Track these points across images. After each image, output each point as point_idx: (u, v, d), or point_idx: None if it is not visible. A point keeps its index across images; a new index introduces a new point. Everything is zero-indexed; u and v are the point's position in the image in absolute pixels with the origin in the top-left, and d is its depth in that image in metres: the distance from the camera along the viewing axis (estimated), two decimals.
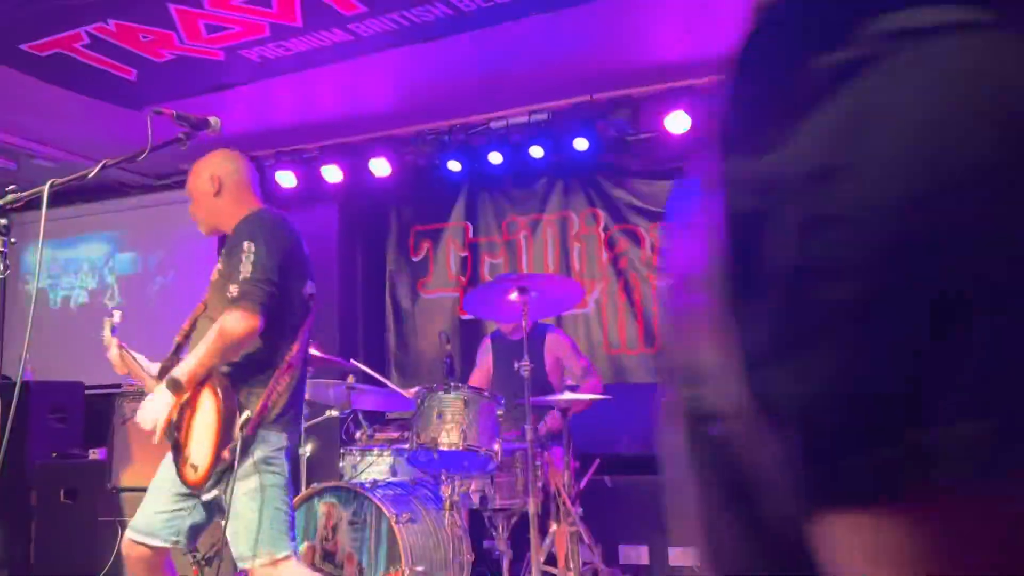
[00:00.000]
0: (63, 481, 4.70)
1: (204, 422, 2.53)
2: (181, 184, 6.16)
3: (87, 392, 5.63)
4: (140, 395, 4.55)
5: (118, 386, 4.71)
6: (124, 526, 4.41)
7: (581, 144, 4.96)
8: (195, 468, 2.52)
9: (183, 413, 2.56)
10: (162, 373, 2.67)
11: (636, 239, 5.26)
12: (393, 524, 3.27)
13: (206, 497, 2.55)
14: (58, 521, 4.60)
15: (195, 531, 2.69)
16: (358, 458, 3.83)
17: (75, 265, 6.51)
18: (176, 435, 2.57)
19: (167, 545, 2.60)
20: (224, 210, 2.78)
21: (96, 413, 5.19)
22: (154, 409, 2.50)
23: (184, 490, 2.60)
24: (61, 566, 4.48)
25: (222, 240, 2.83)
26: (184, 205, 6.25)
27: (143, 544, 2.58)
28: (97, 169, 2.36)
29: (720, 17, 4.04)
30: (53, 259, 6.49)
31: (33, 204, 2.31)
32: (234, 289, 2.51)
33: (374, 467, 3.80)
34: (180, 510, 2.62)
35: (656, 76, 4.74)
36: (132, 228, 6.40)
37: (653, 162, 5.13)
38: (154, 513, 2.60)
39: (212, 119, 2.48)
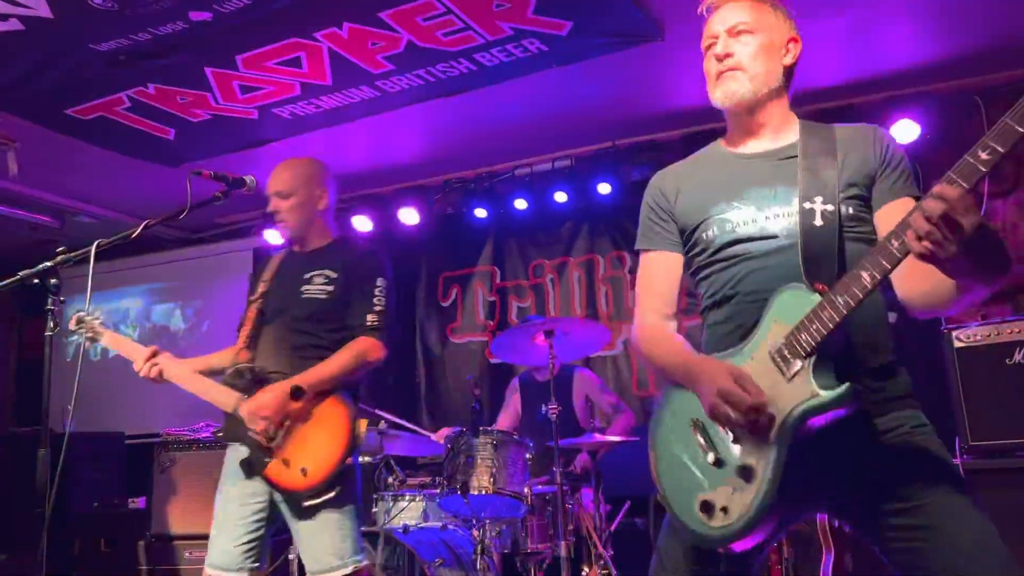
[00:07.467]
0: (104, 530, 4.79)
1: (328, 429, 2.61)
2: (215, 238, 6.38)
3: (127, 442, 5.75)
4: (179, 444, 4.66)
5: (157, 435, 4.82)
6: (161, 574, 4.49)
7: (605, 188, 5.05)
8: (306, 472, 2.54)
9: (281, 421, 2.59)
10: (238, 374, 2.68)
11: None
12: (425, 569, 3.31)
13: (311, 502, 2.54)
14: (99, 570, 4.68)
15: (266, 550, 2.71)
16: (391, 504, 3.87)
17: (115, 317, 6.70)
18: (268, 441, 2.58)
19: (249, 574, 2.61)
20: (320, 225, 2.87)
21: (136, 462, 5.30)
22: (269, 407, 2.54)
23: (257, 515, 2.62)
24: None
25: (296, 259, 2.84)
26: (219, 257, 6.43)
27: None
28: (140, 229, 2.47)
29: None
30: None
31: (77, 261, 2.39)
32: (372, 318, 2.68)
33: (406, 512, 3.84)
34: (256, 537, 2.62)
35: (678, 121, 4.83)
36: (170, 280, 6.58)
37: None
38: (233, 547, 2.59)
39: (248, 178, 2.57)
